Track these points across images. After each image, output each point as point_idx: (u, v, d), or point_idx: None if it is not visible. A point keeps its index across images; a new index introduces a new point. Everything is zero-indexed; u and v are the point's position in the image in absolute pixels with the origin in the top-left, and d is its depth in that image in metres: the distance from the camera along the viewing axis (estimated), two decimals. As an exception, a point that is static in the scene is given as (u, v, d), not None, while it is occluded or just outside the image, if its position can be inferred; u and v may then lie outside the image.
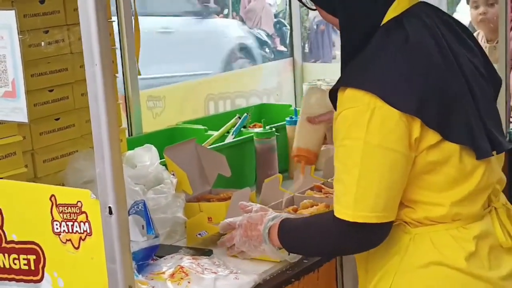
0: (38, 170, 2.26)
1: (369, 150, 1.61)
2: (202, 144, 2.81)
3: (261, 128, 2.87)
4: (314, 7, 1.83)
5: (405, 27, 1.68)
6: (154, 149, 2.40)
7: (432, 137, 1.64)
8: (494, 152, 1.76)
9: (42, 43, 2.22)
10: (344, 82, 1.67)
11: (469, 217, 1.73)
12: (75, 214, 1.52)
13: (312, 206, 2.38)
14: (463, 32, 1.83)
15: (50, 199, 1.55)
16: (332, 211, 1.70)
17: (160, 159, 2.41)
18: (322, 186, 2.58)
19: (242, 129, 2.99)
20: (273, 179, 2.50)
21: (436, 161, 1.67)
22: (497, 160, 1.82)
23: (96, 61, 1.40)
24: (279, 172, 2.75)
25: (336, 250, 1.84)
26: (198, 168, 2.51)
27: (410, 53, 1.65)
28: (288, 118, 3.01)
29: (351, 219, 1.63)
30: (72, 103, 2.34)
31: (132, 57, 2.85)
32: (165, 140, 2.89)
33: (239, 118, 3.03)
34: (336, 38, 12.79)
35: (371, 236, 1.68)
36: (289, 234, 1.86)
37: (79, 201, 1.51)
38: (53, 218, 1.55)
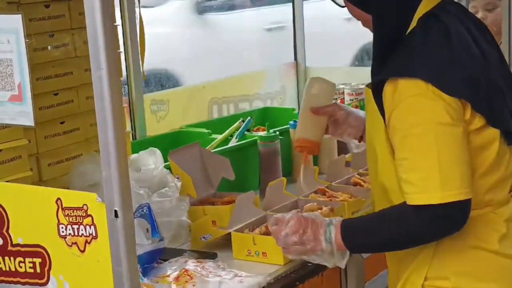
0: (43, 174, 2.26)
1: (441, 132, 1.65)
2: (206, 148, 2.81)
3: (265, 132, 2.88)
4: (343, 4, 1.88)
5: (443, 20, 1.75)
6: (158, 152, 2.40)
7: (478, 121, 1.72)
8: None
9: (49, 47, 2.23)
10: (395, 73, 1.71)
11: (499, 202, 1.81)
12: (81, 217, 1.53)
13: (316, 210, 2.38)
14: (482, 27, 1.91)
15: (56, 202, 1.56)
16: (402, 204, 1.70)
17: (165, 162, 2.41)
18: (326, 189, 2.58)
19: (245, 132, 3.00)
20: (277, 183, 2.50)
21: (479, 146, 1.73)
22: None
23: (102, 65, 1.41)
24: (283, 176, 2.76)
25: (420, 239, 1.76)
26: (202, 171, 2.51)
27: (452, 43, 1.72)
28: (291, 122, 3.01)
29: (441, 201, 1.65)
30: (77, 107, 2.35)
31: (136, 60, 2.86)
32: (169, 143, 2.89)
33: (243, 121, 3.03)
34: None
35: (458, 216, 1.69)
36: (356, 233, 1.82)
37: (85, 204, 1.52)
38: (58, 221, 1.56)
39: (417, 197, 1.68)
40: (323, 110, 2.20)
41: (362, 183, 2.66)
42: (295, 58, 4.00)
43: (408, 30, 1.76)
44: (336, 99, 3.51)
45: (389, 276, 1.98)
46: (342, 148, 3.11)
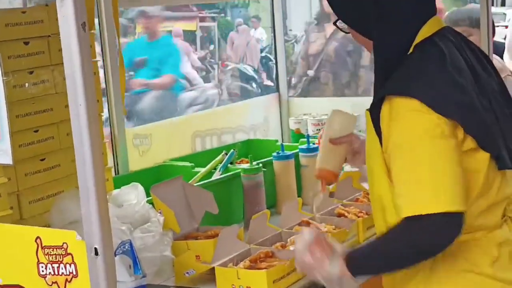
0: (23, 212, 2.24)
1: (434, 144, 1.69)
2: (189, 181, 2.80)
3: (248, 164, 2.87)
4: (347, 31, 1.96)
5: (439, 45, 1.82)
6: (140, 187, 2.39)
7: (469, 144, 1.76)
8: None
9: (27, 84, 2.22)
10: (391, 92, 1.77)
11: (491, 226, 1.84)
12: (61, 256, 1.50)
13: (300, 242, 2.37)
14: (482, 56, 1.97)
15: (36, 241, 1.53)
16: (398, 223, 1.72)
17: (147, 197, 2.40)
18: (310, 221, 2.57)
19: (229, 165, 2.99)
20: (260, 215, 2.49)
21: (469, 168, 1.75)
22: (510, 174, 1.91)
23: (80, 101, 1.39)
24: (267, 208, 2.75)
25: (423, 253, 1.75)
26: (185, 205, 2.50)
27: (447, 67, 1.79)
28: (275, 154, 3.01)
29: (431, 211, 1.66)
30: (58, 143, 2.33)
31: (118, 95, 2.85)
32: (152, 178, 2.88)
33: (226, 154, 3.02)
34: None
35: (451, 228, 1.69)
36: (361, 260, 1.82)
37: (65, 243, 1.49)
38: (38, 260, 1.53)
39: (408, 208, 1.70)
40: (340, 140, 2.30)
41: (346, 214, 2.65)
42: (277, 90, 4.02)
43: (407, 56, 1.82)
44: (319, 129, 3.52)
45: None
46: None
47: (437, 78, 1.77)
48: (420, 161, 1.70)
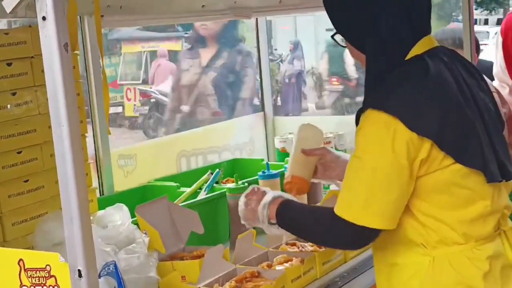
0: (6, 234, 2.21)
1: (381, 164, 1.77)
2: (175, 201, 2.79)
3: (234, 184, 2.86)
4: (344, 44, 2.00)
5: (426, 61, 1.86)
6: (125, 208, 2.37)
7: (446, 159, 1.79)
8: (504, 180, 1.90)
9: (9, 106, 2.21)
10: (368, 104, 1.83)
11: (481, 238, 1.87)
12: (44, 278, 1.49)
13: (286, 262, 2.36)
14: (476, 74, 2.00)
15: (18, 263, 1.52)
16: (331, 209, 1.85)
17: (132, 218, 2.38)
18: (295, 241, 2.56)
19: (214, 184, 2.99)
20: (246, 235, 2.48)
21: (447, 181, 1.81)
22: (505, 187, 1.95)
23: (63, 122, 1.39)
24: (253, 228, 2.73)
25: (326, 242, 2.05)
26: (171, 226, 2.48)
27: (429, 82, 1.83)
28: (260, 173, 3.00)
29: (356, 222, 1.79)
30: (41, 164, 2.31)
31: (102, 116, 2.85)
32: (137, 198, 2.87)
33: (211, 174, 3.02)
34: (308, 91, 12.92)
35: (364, 239, 1.86)
36: (287, 214, 2.05)
37: (48, 265, 1.48)
38: (21, 283, 1.52)
39: (340, 209, 1.83)
40: (313, 152, 2.40)
41: (333, 233, 2.64)
42: (263, 109, 4.02)
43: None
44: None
45: None
46: (312, 197, 3.10)
47: (414, 93, 1.81)
48: (364, 174, 1.79)
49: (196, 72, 4.60)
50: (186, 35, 14.27)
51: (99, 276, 1.81)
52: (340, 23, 1.97)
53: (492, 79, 3.68)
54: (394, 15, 1.87)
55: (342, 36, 1.97)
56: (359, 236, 1.83)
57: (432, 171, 1.80)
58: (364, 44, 1.92)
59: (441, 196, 1.83)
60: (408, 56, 1.88)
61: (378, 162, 1.77)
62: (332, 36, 2.00)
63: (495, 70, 3.70)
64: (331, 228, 1.88)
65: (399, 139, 1.76)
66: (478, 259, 1.85)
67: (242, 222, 2.22)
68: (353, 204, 1.81)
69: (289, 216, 2.04)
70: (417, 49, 1.88)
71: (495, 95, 2.12)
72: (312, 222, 1.97)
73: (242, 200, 2.19)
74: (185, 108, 4.42)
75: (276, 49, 14.29)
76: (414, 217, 1.85)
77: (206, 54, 4.66)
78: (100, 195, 2.88)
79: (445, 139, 1.78)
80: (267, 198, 2.09)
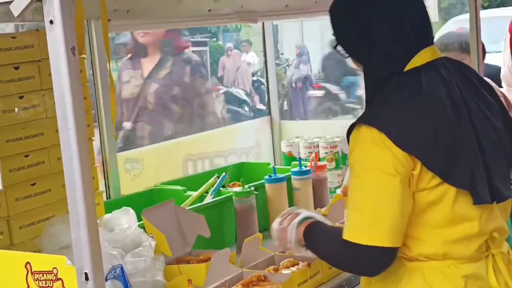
0: (14, 237, 2.22)
1: (383, 180, 1.75)
2: (181, 205, 2.79)
3: (240, 187, 2.86)
4: (347, 55, 1.99)
5: (421, 76, 1.84)
6: (132, 211, 2.37)
7: (433, 178, 1.78)
8: (495, 202, 1.85)
9: (16, 109, 2.21)
10: (361, 120, 1.83)
11: (461, 257, 1.84)
12: (51, 281, 1.49)
13: (293, 266, 2.36)
14: (482, 87, 1.96)
15: (25, 266, 1.52)
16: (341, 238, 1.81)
17: (139, 221, 2.38)
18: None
19: (221, 188, 2.98)
20: (253, 239, 2.48)
21: (433, 200, 1.79)
22: (500, 210, 1.91)
23: (70, 125, 1.39)
24: (259, 231, 2.73)
25: (343, 268, 2.01)
26: (177, 229, 2.49)
27: (420, 99, 1.81)
28: (267, 177, 3.00)
29: (366, 243, 1.76)
30: (48, 168, 2.32)
31: (109, 119, 2.85)
32: (143, 202, 2.87)
33: (218, 177, 3.02)
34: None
35: (377, 261, 1.80)
36: (313, 236, 2.01)
37: (55, 268, 1.48)
38: (28, 286, 1.52)
39: (348, 233, 1.80)
40: None
41: (339, 237, 2.64)
42: (269, 113, 4.02)
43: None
44: (311, 152, 3.52)
45: None
46: (318, 202, 3.10)
47: (404, 109, 1.80)
48: (366, 193, 1.77)
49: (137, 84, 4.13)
50: (193, 39, 14.29)
51: (106, 280, 1.82)
52: (339, 35, 1.96)
53: (499, 84, 3.64)
54: (386, 28, 1.86)
55: (341, 47, 1.97)
56: (372, 259, 1.79)
57: (421, 189, 1.78)
58: (360, 55, 1.93)
59: (427, 214, 1.80)
60: (406, 69, 1.86)
61: (377, 179, 1.76)
62: (334, 47, 2.00)
63: (503, 72, 3.66)
64: (344, 253, 1.84)
65: (393, 155, 1.74)
66: (453, 277, 1.82)
67: (274, 243, 2.15)
68: (360, 226, 1.78)
69: (313, 239, 2.00)
70: (416, 61, 1.86)
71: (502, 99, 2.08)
72: (330, 247, 1.94)
73: (277, 221, 2.14)
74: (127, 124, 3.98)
75: (282, 54, 14.30)
76: None
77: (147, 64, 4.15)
78: (107, 198, 2.88)
79: (432, 158, 1.76)
80: (298, 218, 2.05)
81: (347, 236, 1.79)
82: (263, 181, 3.00)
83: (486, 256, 1.87)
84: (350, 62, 2.03)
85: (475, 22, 3.26)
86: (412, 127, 1.77)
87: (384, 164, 1.75)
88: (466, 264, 1.83)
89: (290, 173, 3.08)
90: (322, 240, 1.98)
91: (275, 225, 2.13)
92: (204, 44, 15.00)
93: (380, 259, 1.79)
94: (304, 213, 2.08)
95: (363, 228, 1.77)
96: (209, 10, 3.10)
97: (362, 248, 1.76)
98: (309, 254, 2.05)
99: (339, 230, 1.85)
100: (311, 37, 15.78)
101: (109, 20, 2.53)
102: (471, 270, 1.83)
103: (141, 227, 2.35)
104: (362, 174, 1.78)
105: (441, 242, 1.81)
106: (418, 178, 1.77)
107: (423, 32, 1.91)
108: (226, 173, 3.06)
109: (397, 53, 1.87)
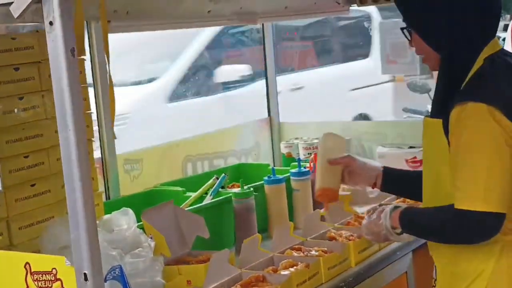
0: (13, 238, 2.22)
1: (494, 152, 1.88)
2: (180, 206, 2.79)
3: (239, 188, 2.87)
4: (410, 37, 2.09)
5: (506, 59, 2.02)
6: (131, 212, 2.38)
7: None
8: None
9: (16, 110, 2.22)
10: (466, 98, 1.92)
11: None
12: (50, 282, 1.50)
13: (292, 266, 2.36)
14: None
15: (25, 267, 1.53)
16: (450, 206, 1.92)
17: (138, 222, 2.39)
18: (301, 245, 2.57)
19: (220, 189, 2.99)
20: (252, 239, 2.48)
21: None
22: None
23: (69, 126, 1.40)
24: (258, 232, 2.74)
25: (455, 239, 2.01)
26: (176, 230, 2.49)
27: None
28: (266, 178, 3.01)
29: (480, 209, 1.87)
30: (48, 169, 2.32)
31: (108, 121, 2.85)
32: (143, 202, 2.87)
33: (217, 178, 3.02)
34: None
35: (491, 226, 1.90)
36: (410, 218, 2.11)
37: (54, 268, 1.49)
38: (27, 286, 1.53)
39: (462, 202, 1.90)
40: (339, 161, 2.43)
41: (338, 238, 2.65)
42: (269, 114, 4.02)
43: (475, 69, 1.98)
44: (311, 153, 3.52)
45: None
46: (317, 203, 3.11)
47: (506, 87, 1.94)
48: (480, 164, 1.88)
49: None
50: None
51: (105, 280, 1.82)
52: (415, 19, 2.05)
53: None
54: (472, 17, 1.99)
55: (418, 34, 2.05)
56: (485, 225, 1.90)
57: None
58: (439, 42, 2.03)
59: None
60: (482, 57, 1.98)
61: (487, 151, 1.88)
62: (402, 29, 2.09)
63: None
64: (457, 224, 1.93)
65: (503, 127, 1.87)
66: None
67: (366, 236, 2.28)
68: (473, 195, 1.88)
69: (412, 220, 2.11)
70: (488, 50, 2.00)
71: None
72: (437, 223, 2.03)
73: (365, 218, 2.26)
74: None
75: (282, 55, 14.28)
76: None
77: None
78: (106, 199, 2.89)
79: None
80: (389, 208, 2.16)
81: (461, 205, 1.89)
82: (262, 182, 3.00)
83: None
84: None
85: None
86: None
87: (495, 137, 1.87)
88: None
89: (289, 174, 3.09)
90: (424, 216, 2.09)
91: (364, 222, 2.25)
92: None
93: (492, 224, 1.90)
94: (391, 204, 2.22)
95: (477, 195, 1.87)
96: (209, 11, 3.10)
97: (476, 215, 1.87)
98: (404, 238, 2.17)
99: (440, 207, 1.98)
100: (311, 38, 15.72)
101: (108, 21, 2.54)
102: None
103: (141, 228, 2.36)
104: (471, 147, 1.89)
105: None
106: None
107: (497, 23, 2.05)
108: (225, 174, 3.06)
109: (476, 42, 1.99)
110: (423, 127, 2.08)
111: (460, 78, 1.98)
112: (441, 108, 1.98)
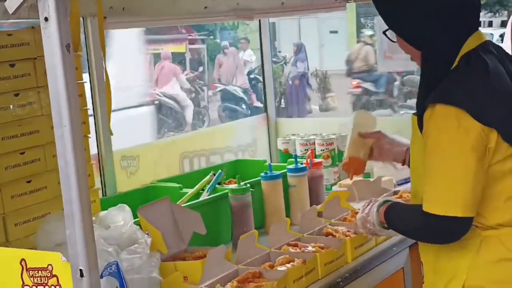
0: (9, 234, 2.22)
1: (456, 156, 1.88)
2: (177, 202, 2.79)
3: (236, 185, 2.87)
4: (395, 39, 2.09)
5: (483, 57, 1.97)
6: (127, 208, 2.37)
7: (508, 148, 1.91)
8: None
9: (11, 106, 2.21)
10: (436, 100, 1.92)
11: None
12: (46, 278, 1.50)
13: (288, 262, 2.36)
14: None
15: (21, 263, 1.53)
16: (420, 207, 1.95)
17: (134, 218, 2.39)
18: (298, 241, 2.57)
19: (217, 186, 2.99)
20: (248, 236, 2.48)
21: (509, 169, 1.93)
22: None
23: (65, 122, 1.40)
24: (255, 228, 2.74)
25: (423, 239, 2.09)
26: (173, 226, 2.49)
27: (490, 78, 1.94)
28: (263, 174, 3.00)
29: (441, 213, 1.89)
30: (44, 165, 2.32)
31: (105, 117, 2.85)
32: (140, 199, 2.87)
33: (214, 175, 3.02)
34: (311, 93, 12.92)
35: (454, 230, 1.93)
36: (391, 215, 2.16)
37: (50, 265, 1.49)
38: (23, 282, 1.53)
39: (426, 205, 1.93)
40: (369, 135, 2.53)
41: (334, 234, 2.65)
42: (265, 111, 4.03)
43: (453, 66, 1.97)
44: (307, 149, 3.53)
45: (426, 286, 2.13)
46: (314, 199, 3.11)
47: (480, 88, 1.92)
48: (445, 167, 1.90)
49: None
50: (190, 37, 14.28)
51: (101, 276, 1.82)
52: (394, 20, 2.05)
53: None
54: (448, 12, 1.97)
55: (396, 33, 2.06)
56: (449, 228, 1.92)
57: (497, 161, 1.91)
58: (419, 40, 2.01)
59: (503, 183, 1.93)
60: (462, 51, 1.97)
61: (453, 154, 1.88)
62: (384, 32, 2.08)
63: None
64: (423, 225, 1.97)
65: (470, 131, 1.86)
66: None
67: (360, 230, 2.30)
68: (438, 198, 1.91)
69: (394, 217, 2.16)
70: (470, 44, 1.98)
71: None
72: (408, 222, 2.09)
73: (360, 211, 2.29)
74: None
75: (280, 52, 14.30)
76: None
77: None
78: (103, 195, 2.89)
79: (507, 129, 1.89)
80: (377, 203, 2.21)
81: (426, 207, 1.93)
82: (259, 178, 3.00)
83: None
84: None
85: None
86: (488, 102, 1.89)
87: (463, 140, 1.86)
88: None
89: (286, 170, 3.09)
90: (402, 215, 2.13)
91: (358, 215, 2.28)
92: (201, 41, 14.99)
93: (455, 228, 1.92)
94: (382, 198, 2.25)
95: (439, 200, 1.90)
96: (205, 7, 3.10)
97: (440, 219, 1.90)
98: (393, 234, 2.23)
99: (418, 206, 1.98)
100: (308, 34, 15.75)
101: (105, 17, 2.53)
102: None
103: (137, 224, 2.35)
104: (438, 149, 1.90)
105: None
106: (494, 151, 1.89)
107: (477, 15, 2.04)
108: (222, 170, 3.06)
109: (456, 36, 1.98)
110: (412, 124, 2.08)
111: (440, 76, 1.97)
112: (422, 105, 1.98)
